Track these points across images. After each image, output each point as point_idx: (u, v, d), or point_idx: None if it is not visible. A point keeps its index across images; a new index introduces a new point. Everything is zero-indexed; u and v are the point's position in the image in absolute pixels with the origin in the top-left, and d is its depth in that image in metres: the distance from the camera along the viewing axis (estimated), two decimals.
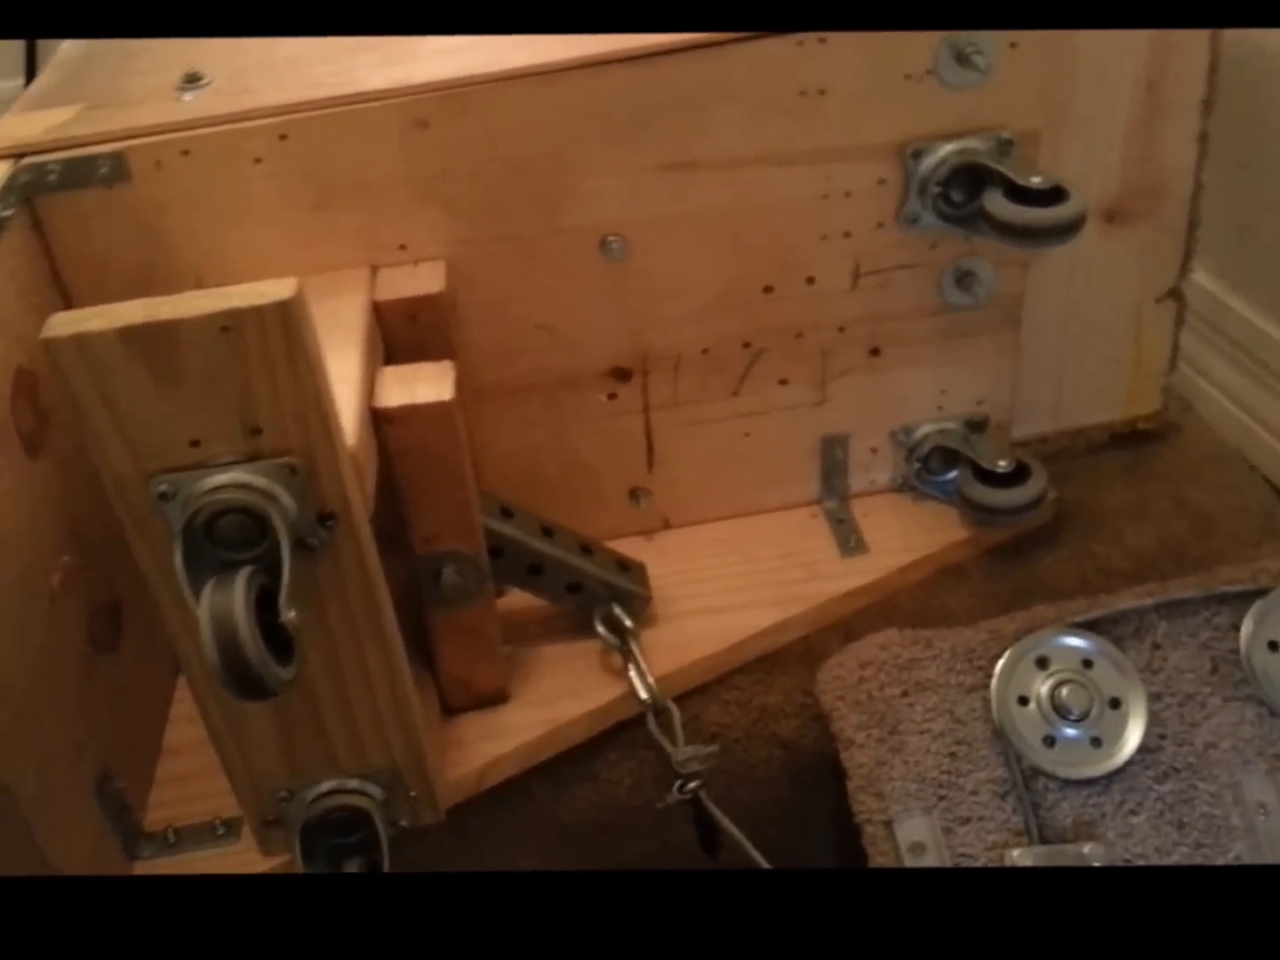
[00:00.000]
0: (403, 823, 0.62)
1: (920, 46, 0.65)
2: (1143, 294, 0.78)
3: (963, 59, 0.64)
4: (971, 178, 0.67)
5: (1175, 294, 0.78)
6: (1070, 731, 0.68)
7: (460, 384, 0.61)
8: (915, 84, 0.66)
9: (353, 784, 0.60)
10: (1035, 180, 0.64)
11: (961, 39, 0.64)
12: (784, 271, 0.71)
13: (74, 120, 0.64)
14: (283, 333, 0.46)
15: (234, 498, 0.48)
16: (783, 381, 0.75)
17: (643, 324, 0.71)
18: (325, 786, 0.59)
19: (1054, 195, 0.64)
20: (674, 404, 0.75)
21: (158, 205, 0.63)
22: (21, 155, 0.62)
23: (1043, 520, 0.78)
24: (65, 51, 0.77)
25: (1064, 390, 0.81)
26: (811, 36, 0.64)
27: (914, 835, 0.67)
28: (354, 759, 0.59)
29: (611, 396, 0.74)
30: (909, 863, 0.66)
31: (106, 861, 0.62)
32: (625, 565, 0.73)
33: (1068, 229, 0.63)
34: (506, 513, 0.69)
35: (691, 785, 0.66)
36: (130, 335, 0.45)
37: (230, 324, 0.46)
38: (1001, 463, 0.75)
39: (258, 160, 0.63)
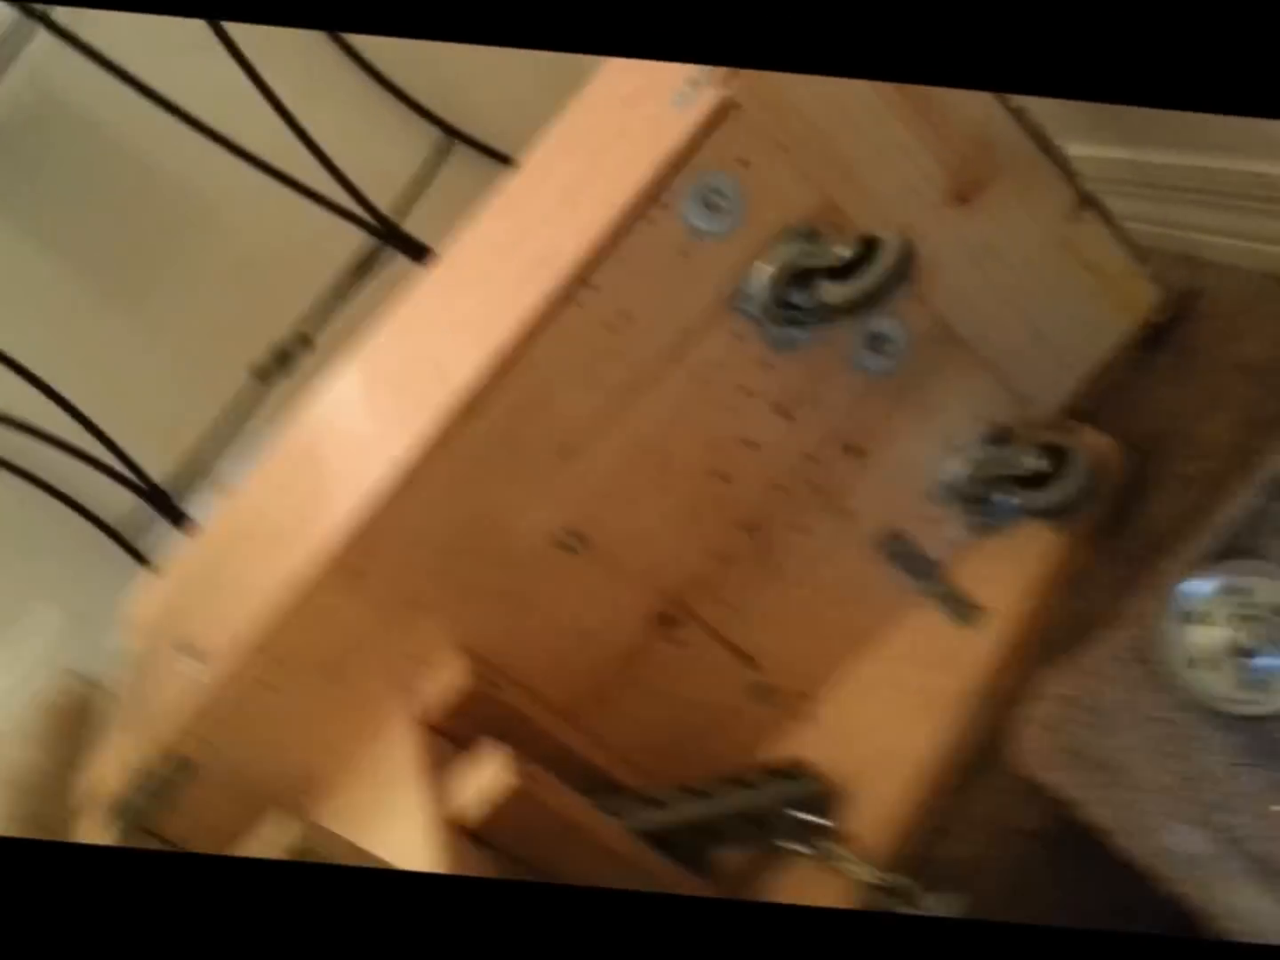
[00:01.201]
0: None
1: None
2: (1048, 228, 0.74)
3: (711, 205, 0.66)
4: (800, 278, 0.67)
5: (1083, 201, 0.74)
6: (1273, 662, 0.62)
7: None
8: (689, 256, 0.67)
9: None
10: (843, 253, 0.64)
11: (706, 185, 0.66)
12: (720, 454, 0.72)
13: None
14: None
15: None
16: (803, 531, 0.76)
17: (641, 584, 0.74)
18: None
19: (869, 250, 0.64)
20: (734, 609, 0.77)
21: None
22: None
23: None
24: None
25: (1057, 352, 0.77)
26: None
27: (1191, 847, 0.63)
28: None
29: (680, 644, 0.77)
30: (1201, 873, 0.62)
31: None
32: (783, 771, 0.74)
33: (896, 279, 0.62)
34: (657, 802, 0.72)
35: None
36: None
37: None
38: (1032, 461, 0.72)
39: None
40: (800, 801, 0.72)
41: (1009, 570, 0.75)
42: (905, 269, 0.62)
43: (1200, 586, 0.65)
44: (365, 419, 0.81)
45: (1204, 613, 0.64)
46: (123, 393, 1.49)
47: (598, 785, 0.73)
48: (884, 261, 0.62)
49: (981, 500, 0.76)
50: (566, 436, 0.69)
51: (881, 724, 0.75)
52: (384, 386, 0.84)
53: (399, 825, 0.59)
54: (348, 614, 0.70)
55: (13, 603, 1.36)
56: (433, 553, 0.70)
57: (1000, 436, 0.75)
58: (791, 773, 0.74)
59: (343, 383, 0.91)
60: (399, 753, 0.69)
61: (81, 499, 1.47)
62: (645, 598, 0.75)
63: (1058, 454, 0.72)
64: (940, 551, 0.78)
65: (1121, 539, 0.73)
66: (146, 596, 0.97)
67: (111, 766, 0.75)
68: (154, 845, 0.71)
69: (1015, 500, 0.74)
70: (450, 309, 0.85)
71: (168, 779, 0.70)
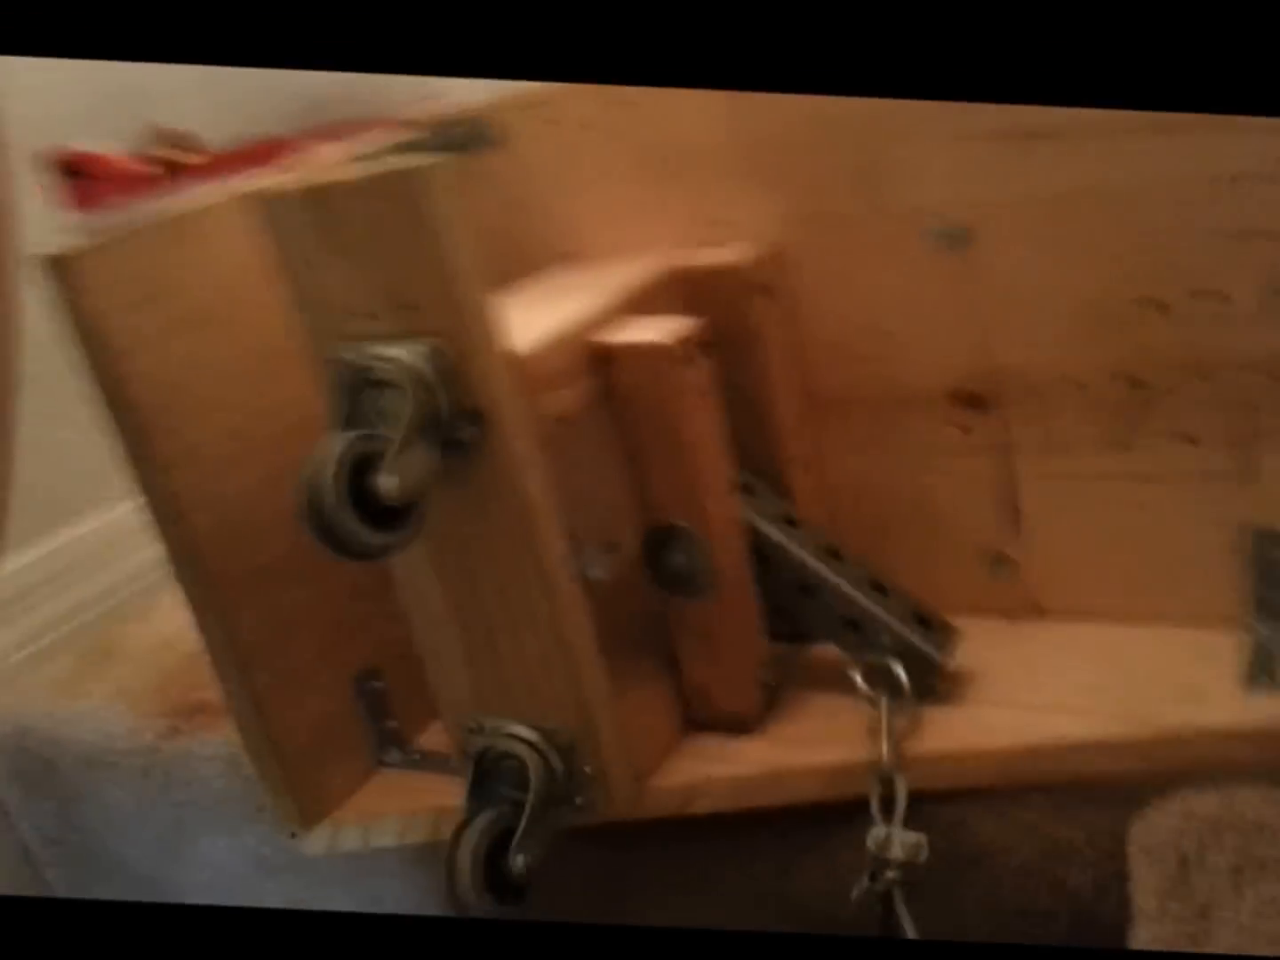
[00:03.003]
0: (578, 801, 0.57)
1: None
2: None
3: None
4: None
5: None
6: None
7: (801, 389, 0.60)
8: None
9: (527, 734, 0.57)
10: None
11: None
12: (1177, 280, 0.55)
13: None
14: (416, 202, 0.48)
15: (375, 365, 0.51)
16: (1190, 440, 0.57)
17: (992, 338, 0.60)
18: (505, 728, 0.57)
19: None
20: (1045, 449, 0.61)
21: (521, 174, 0.68)
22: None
23: None
24: None
25: None
26: None
27: None
28: (532, 705, 0.56)
29: (965, 429, 0.62)
30: None
31: (351, 756, 0.66)
32: (926, 619, 0.60)
33: None
34: (790, 522, 0.62)
35: (888, 876, 0.52)
36: (307, 195, 0.51)
37: (372, 189, 0.49)
38: None
39: (599, 127, 0.65)
40: (908, 648, 0.59)
41: None
42: None
43: None
44: None
45: None
46: None
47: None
48: None
49: None
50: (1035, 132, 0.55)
51: (1052, 684, 0.59)
52: None
53: None
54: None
55: None
56: (802, 123, 0.60)
57: None
58: (930, 623, 0.60)
59: None
60: (626, 272, 0.63)
61: None
62: (973, 356, 0.61)
63: None
64: None
65: None
66: None
67: None
68: None
69: None
70: None
71: None
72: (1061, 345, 0.58)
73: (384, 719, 0.67)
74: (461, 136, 0.70)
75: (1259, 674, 0.56)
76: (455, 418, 0.52)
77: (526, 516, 0.53)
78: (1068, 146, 0.55)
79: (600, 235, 0.68)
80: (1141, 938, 0.48)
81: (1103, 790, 0.55)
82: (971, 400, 0.62)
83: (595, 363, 0.57)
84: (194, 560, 0.59)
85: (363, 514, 0.49)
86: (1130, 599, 0.61)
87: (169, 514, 0.58)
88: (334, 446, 0.49)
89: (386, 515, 0.50)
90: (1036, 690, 0.59)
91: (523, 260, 0.70)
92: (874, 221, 0.60)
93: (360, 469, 0.49)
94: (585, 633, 0.55)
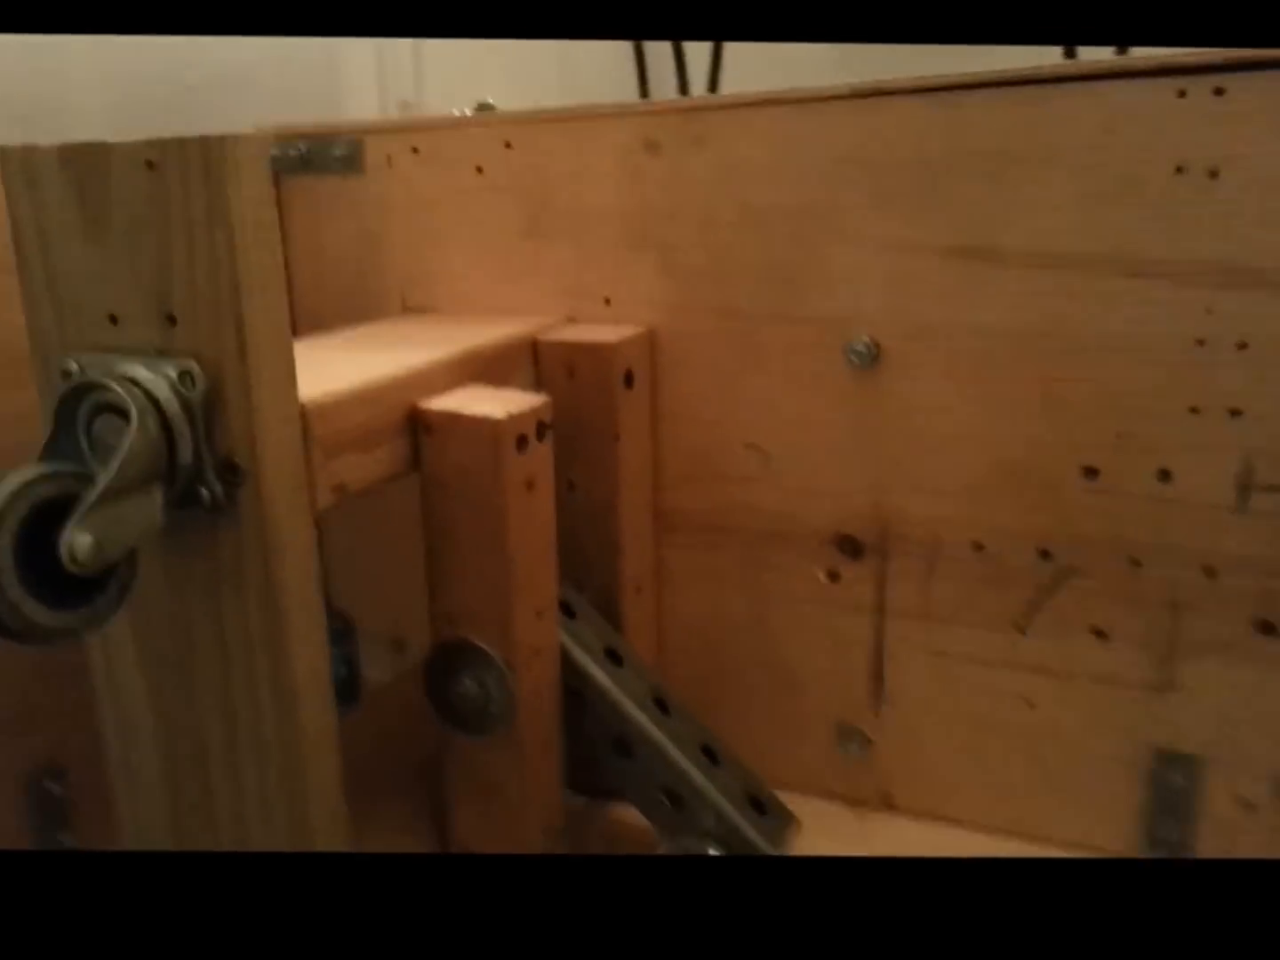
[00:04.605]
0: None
1: None
2: None
3: None
4: None
5: None
6: None
7: (650, 502, 0.50)
8: None
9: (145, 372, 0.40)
10: None
11: None
12: (1121, 452, 0.46)
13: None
14: (206, 182, 0.36)
15: (102, 384, 0.38)
16: (1099, 634, 0.48)
17: (890, 475, 0.50)
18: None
19: None
20: (923, 616, 0.51)
21: (383, 205, 0.58)
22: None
23: None
24: None
25: None
26: (1204, 85, 0.42)
27: None
28: (239, 844, 0.43)
29: (833, 576, 0.52)
30: None
31: None
32: (759, 802, 0.49)
33: None
34: (615, 657, 0.50)
35: None
36: (68, 155, 0.38)
37: (155, 158, 0.37)
38: None
39: (479, 169, 0.55)
40: (732, 833, 0.48)
41: None
42: None
43: None
44: None
45: None
46: None
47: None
48: None
49: None
50: (995, 251, 0.46)
51: None
52: None
53: None
54: (608, 169, 0.53)
55: None
56: (720, 206, 0.50)
57: None
58: (764, 806, 0.49)
59: None
60: (485, 336, 0.51)
61: None
62: (864, 495, 0.50)
63: None
64: (1218, 847, 0.48)
65: None
66: None
67: None
68: None
69: None
70: None
71: None
72: (966, 498, 0.49)
73: (54, 831, 0.51)
74: (333, 153, 0.58)
75: None
76: (201, 468, 0.39)
77: (275, 612, 0.39)
78: (1022, 276, 0.46)
79: (458, 288, 0.57)
80: None
81: None
82: (849, 545, 0.52)
83: (408, 429, 0.45)
84: None
85: (35, 580, 0.35)
86: (1003, 811, 0.52)
87: None
88: (8, 483, 0.35)
89: (72, 584, 0.36)
90: None
91: (365, 302, 0.58)
92: (775, 323, 0.50)
93: (47, 517, 0.36)
94: (327, 772, 0.42)
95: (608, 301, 0.53)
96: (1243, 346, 0.44)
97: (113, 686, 0.43)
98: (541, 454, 0.46)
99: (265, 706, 0.40)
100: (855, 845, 0.52)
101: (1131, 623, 0.48)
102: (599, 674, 0.49)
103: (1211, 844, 0.48)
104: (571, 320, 0.54)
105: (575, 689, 0.49)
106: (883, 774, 0.54)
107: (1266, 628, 0.45)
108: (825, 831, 0.51)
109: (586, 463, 0.52)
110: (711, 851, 0.47)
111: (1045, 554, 0.48)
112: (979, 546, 0.49)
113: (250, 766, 0.41)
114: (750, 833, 0.48)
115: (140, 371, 0.38)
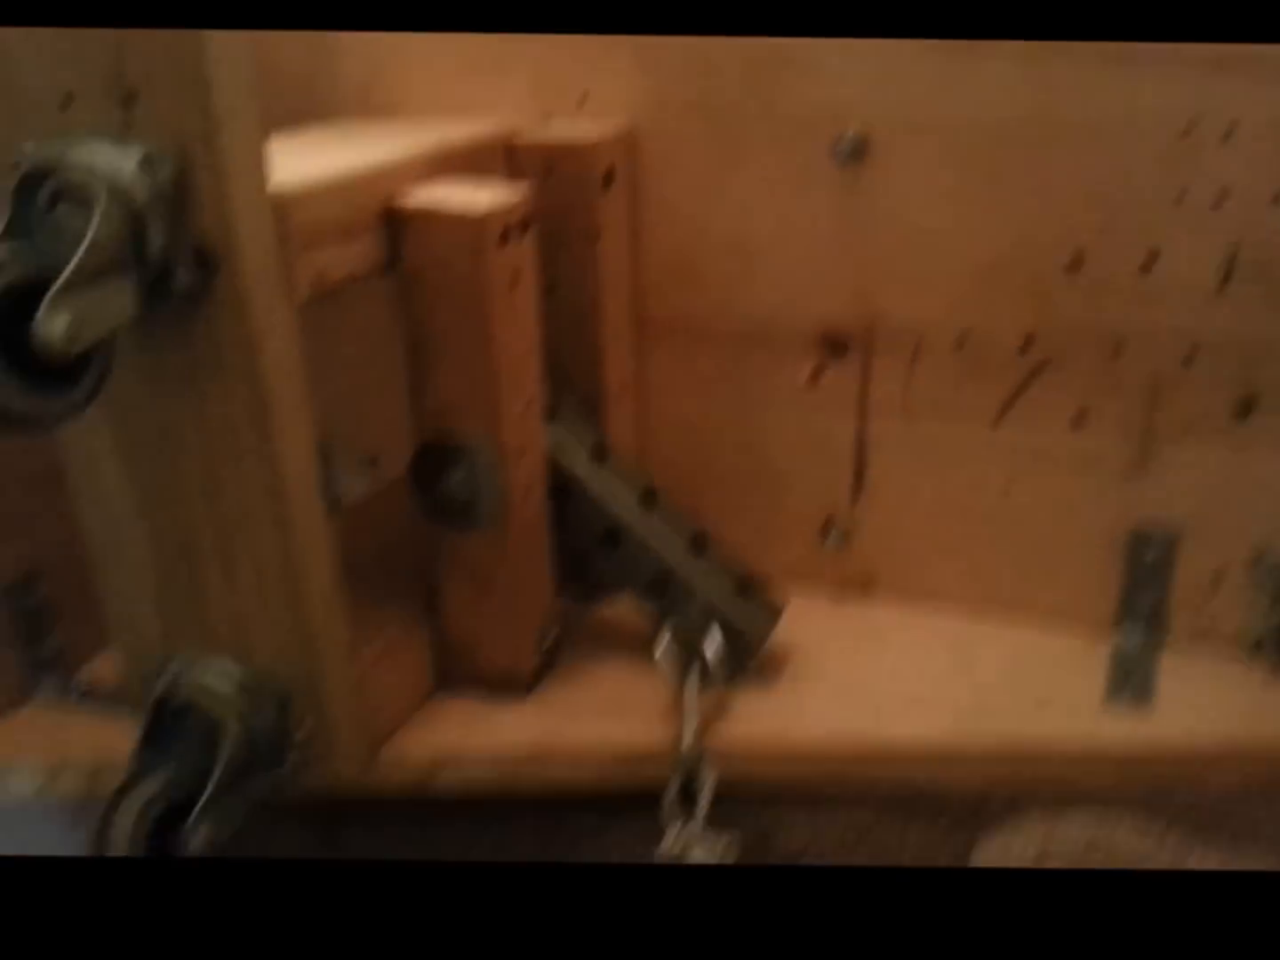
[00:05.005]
0: (287, 767, 0.44)
1: None
2: None
3: None
4: None
5: None
6: None
7: (633, 306, 0.49)
8: None
9: (225, 679, 0.44)
10: None
11: None
12: (1106, 239, 0.46)
13: None
14: None
15: (61, 168, 0.36)
16: (1078, 420, 0.49)
17: (875, 273, 0.50)
18: (197, 671, 0.44)
19: None
20: (903, 409, 0.51)
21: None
22: None
23: None
24: None
25: None
26: None
27: None
28: (238, 644, 0.43)
29: (816, 375, 0.52)
30: None
31: None
32: (746, 587, 0.50)
33: None
34: (600, 455, 0.50)
35: None
36: None
37: None
38: None
39: None
40: (721, 616, 0.49)
41: (1233, 714, 0.46)
42: None
43: None
44: None
45: None
46: None
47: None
48: None
49: None
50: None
51: (886, 676, 0.50)
52: None
53: None
54: None
55: None
56: None
57: None
58: (751, 590, 0.50)
59: None
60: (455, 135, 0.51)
61: None
62: (848, 292, 0.50)
63: None
64: (1191, 622, 0.50)
65: None
66: None
67: None
68: None
69: None
70: None
71: None
72: (950, 289, 0.49)
73: (39, 639, 0.52)
74: None
75: (1120, 687, 0.48)
76: (171, 256, 0.38)
77: (258, 401, 0.39)
78: (1010, 67, 0.45)
79: (425, 89, 0.55)
80: None
81: (937, 801, 0.46)
82: (833, 343, 0.52)
83: (384, 224, 0.44)
84: None
85: (12, 362, 0.35)
86: (984, 588, 0.53)
87: None
88: None
89: (50, 370, 0.36)
90: (868, 681, 0.50)
91: (326, 105, 0.56)
92: (759, 116, 0.49)
93: (19, 303, 0.35)
94: (322, 560, 0.42)
95: (583, 99, 0.52)
96: (1229, 135, 0.43)
97: (92, 484, 0.42)
98: (524, 249, 0.45)
99: (256, 496, 0.41)
100: (837, 624, 0.54)
101: (1110, 408, 0.48)
102: (585, 468, 0.50)
103: (1182, 615, 0.50)
104: (545, 116, 0.53)
105: (563, 487, 0.50)
106: (865, 560, 0.55)
107: (1243, 409, 0.46)
108: (811, 611, 0.53)
109: (567, 265, 0.51)
110: (701, 635, 0.49)
111: (1026, 347, 0.49)
112: (961, 342, 0.49)
113: (244, 558, 0.42)
114: (736, 616, 0.49)
115: (99, 157, 0.37)
